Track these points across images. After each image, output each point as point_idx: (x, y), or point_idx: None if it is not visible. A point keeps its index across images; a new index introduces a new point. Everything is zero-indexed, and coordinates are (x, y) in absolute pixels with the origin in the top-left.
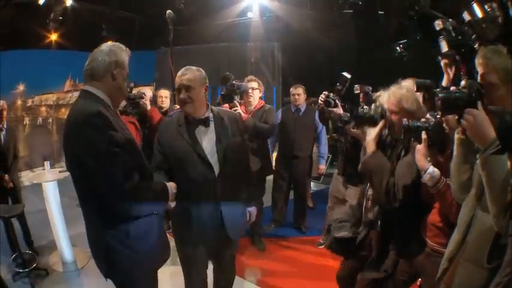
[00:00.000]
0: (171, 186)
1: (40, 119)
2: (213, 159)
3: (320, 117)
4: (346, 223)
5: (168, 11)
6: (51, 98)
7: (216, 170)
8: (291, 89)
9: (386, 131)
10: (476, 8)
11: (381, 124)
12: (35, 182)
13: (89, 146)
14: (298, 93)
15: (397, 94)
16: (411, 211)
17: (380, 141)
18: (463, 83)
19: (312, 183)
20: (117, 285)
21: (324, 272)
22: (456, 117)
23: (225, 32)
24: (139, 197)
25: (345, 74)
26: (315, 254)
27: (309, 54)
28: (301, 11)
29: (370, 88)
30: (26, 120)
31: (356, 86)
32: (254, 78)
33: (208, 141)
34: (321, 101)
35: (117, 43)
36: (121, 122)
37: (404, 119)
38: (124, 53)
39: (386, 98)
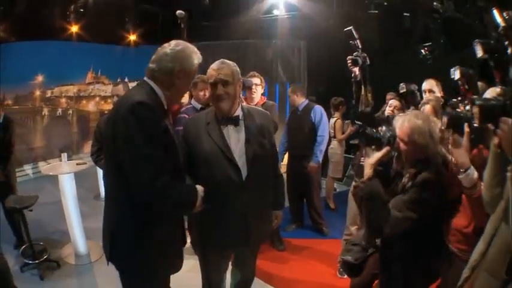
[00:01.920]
0: (200, 189)
1: (60, 110)
2: (241, 161)
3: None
4: (355, 246)
5: (179, 11)
6: (71, 89)
7: (244, 172)
8: (294, 90)
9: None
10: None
11: (384, 151)
12: (51, 173)
13: (128, 134)
14: (289, 95)
15: (411, 124)
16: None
17: (386, 167)
18: (498, 90)
19: (335, 184)
20: (119, 272)
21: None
22: (492, 127)
23: (250, 28)
24: (167, 197)
25: (346, 28)
26: (332, 256)
27: (333, 53)
28: (327, 10)
29: (416, 87)
30: (45, 111)
31: (402, 84)
32: (257, 74)
33: (237, 141)
34: (350, 63)
35: (189, 46)
36: (166, 120)
37: (448, 109)
38: (193, 60)
39: (400, 123)
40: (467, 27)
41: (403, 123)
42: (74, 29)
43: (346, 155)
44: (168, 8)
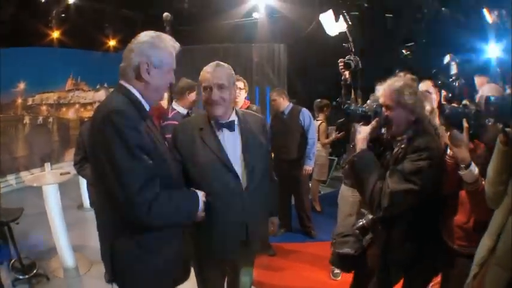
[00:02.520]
0: (201, 195)
1: (40, 118)
2: (239, 168)
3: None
4: (350, 237)
5: (165, 14)
6: (52, 96)
7: (243, 180)
8: (277, 94)
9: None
10: (485, 13)
11: (373, 123)
12: (35, 185)
13: (105, 146)
14: (273, 99)
15: (393, 86)
16: (403, 223)
17: (377, 140)
18: (509, 91)
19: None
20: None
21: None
22: (500, 125)
23: (230, 32)
24: (160, 211)
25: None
26: (323, 259)
27: (314, 55)
28: (308, 12)
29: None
30: (26, 119)
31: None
32: (240, 77)
33: (234, 148)
34: (341, 66)
35: (158, 35)
36: (150, 124)
37: (445, 104)
38: (162, 50)
39: (381, 92)
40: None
41: (384, 89)
42: (55, 34)
43: (330, 157)
44: (146, 13)
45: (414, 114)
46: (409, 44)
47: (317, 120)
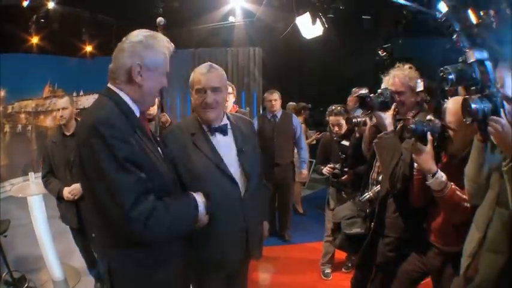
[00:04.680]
0: (199, 197)
1: (20, 127)
2: (236, 173)
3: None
4: (357, 219)
5: (159, 18)
6: (30, 104)
7: (242, 187)
8: (265, 95)
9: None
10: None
11: (393, 106)
12: (20, 195)
13: (94, 161)
14: (275, 99)
15: (401, 75)
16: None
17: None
18: (486, 92)
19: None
20: None
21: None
22: (476, 124)
23: (206, 36)
24: (157, 223)
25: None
26: (311, 261)
27: (291, 59)
28: (284, 16)
29: (367, 90)
30: (7, 128)
31: (353, 89)
32: (228, 82)
33: (229, 152)
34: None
35: (151, 35)
36: (141, 133)
37: (411, 121)
38: (156, 51)
39: (391, 81)
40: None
41: (393, 78)
42: (34, 40)
43: (311, 160)
44: (122, 18)
45: (419, 96)
46: (386, 46)
47: None
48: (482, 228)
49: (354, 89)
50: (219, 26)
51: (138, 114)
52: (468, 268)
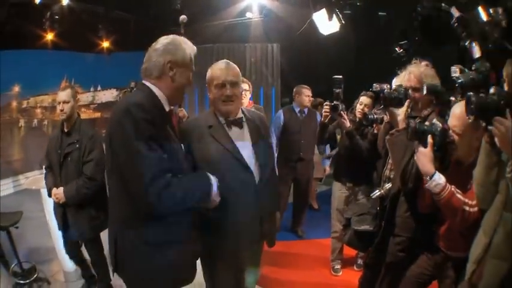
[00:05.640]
0: (213, 178)
1: (35, 121)
2: (252, 164)
3: (320, 135)
4: (367, 216)
5: (182, 16)
6: (46, 99)
7: (257, 176)
8: (298, 89)
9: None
10: (481, 11)
11: (407, 103)
12: (34, 187)
13: (123, 137)
14: (310, 94)
15: (417, 71)
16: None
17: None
18: (492, 90)
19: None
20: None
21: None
22: (483, 124)
23: (223, 32)
24: (171, 195)
25: (336, 76)
26: (322, 257)
27: (308, 54)
28: (301, 12)
29: (389, 86)
30: (21, 123)
31: (375, 84)
32: (245, 80)
33: (244, 144)
34: (326, 110)
35: (178, 37)
36: (168, 120)
37: (411, 121)
38: (184, 50)
39: (406, 77)
40: (444, 25)
41: (409, 74)
42: (49, 37)
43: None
44: (139, 15)
45: (434, 94)
46: (403, 42)
47: None
48: (489, 233)
49: (374, 85)
50: (236, 22)
51: (167, 108)
52: (473, 274)
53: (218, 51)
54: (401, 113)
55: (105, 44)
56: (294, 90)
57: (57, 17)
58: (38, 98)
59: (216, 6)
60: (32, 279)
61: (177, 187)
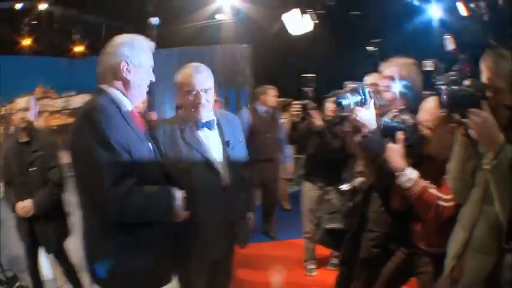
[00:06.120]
0: (178, 193)
1: (12, 128)
2: (222, 165)
3: (291, 134)
4: (337, 214)
5: (153, 19)
6: None
7: (228, 178)
8: (263, 89)
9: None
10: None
11: (371, 103)
12: None
13: (84, 142)
14: (275, 95)
15: (395, 62)
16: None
17: None
18: (467, 82)
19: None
20: None
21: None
22: (458, 116)
23: (195, 34)
24: (131, 204)
25: (307, 75)
26: (295, 258)
27: (281, 55)
28: (273, 13)
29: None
30: (1, 129)
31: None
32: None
33: (216, 145)
34: (296, 110)
35: (130, 36)
36: (131, 122)
37: (382, 118)
38: (141, 49)
39: (385, 69)
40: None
41: (389, 66)
42: (27, 42)
43: (296, 156)
44: (111, 19)
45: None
46: (375, 40)
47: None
48: (468, 228)
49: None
50: (207, 24)
51: (130, 108)
52: (453, 270)
53: (189, 53)
54: (368, 113)
55: (79, 49)
56: (258, 90)
57: (34, 22)
58: (15, 104)
59: (188, 8)
60: (15, 287)
61: (139, 197)
